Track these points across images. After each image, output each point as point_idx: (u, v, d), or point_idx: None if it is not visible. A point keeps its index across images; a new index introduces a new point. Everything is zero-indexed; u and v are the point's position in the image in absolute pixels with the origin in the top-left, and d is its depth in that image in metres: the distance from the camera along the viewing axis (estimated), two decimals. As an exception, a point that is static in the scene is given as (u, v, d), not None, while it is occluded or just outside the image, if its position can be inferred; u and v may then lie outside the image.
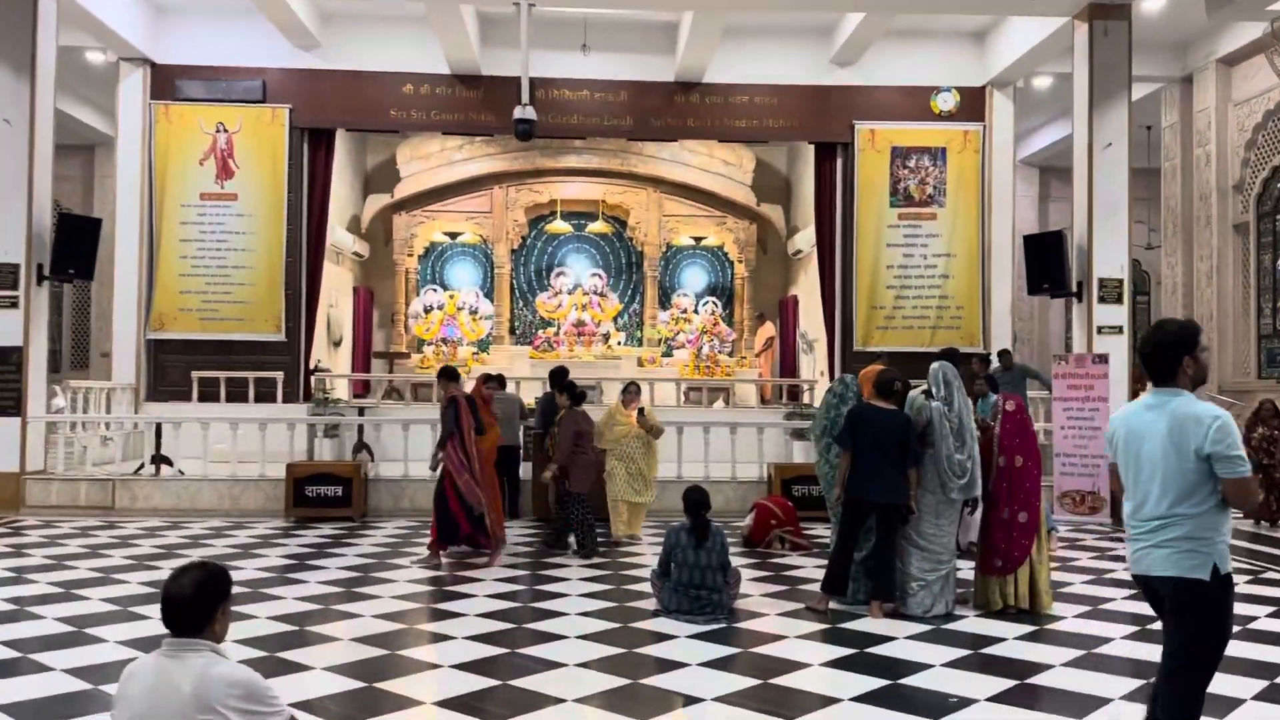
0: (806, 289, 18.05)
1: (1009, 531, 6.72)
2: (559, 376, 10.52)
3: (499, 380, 9.46)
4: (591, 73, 14.83)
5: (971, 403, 7.11)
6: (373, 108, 14.88)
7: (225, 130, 14.69)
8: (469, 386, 9.60)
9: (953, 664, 5.54)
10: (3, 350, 11.61)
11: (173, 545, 9.26)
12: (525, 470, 11.27)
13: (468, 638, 5.98)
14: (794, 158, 19.37)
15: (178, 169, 14.65)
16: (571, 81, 14.89)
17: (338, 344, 17.38)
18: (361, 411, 13.99)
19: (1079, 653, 5.80)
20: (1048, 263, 12.32)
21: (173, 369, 14.63)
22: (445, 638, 6.01)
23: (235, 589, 6.88)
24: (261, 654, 5.56)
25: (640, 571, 8.00)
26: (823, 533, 10.06)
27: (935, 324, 15.05)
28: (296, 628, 6.19)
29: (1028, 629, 6.33)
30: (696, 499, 6.70)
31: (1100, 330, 12.08)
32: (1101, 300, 12.08)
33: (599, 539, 9.06)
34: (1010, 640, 6.07)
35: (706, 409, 15.03)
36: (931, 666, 5.45)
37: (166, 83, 14.65)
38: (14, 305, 11.66)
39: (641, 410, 9.67)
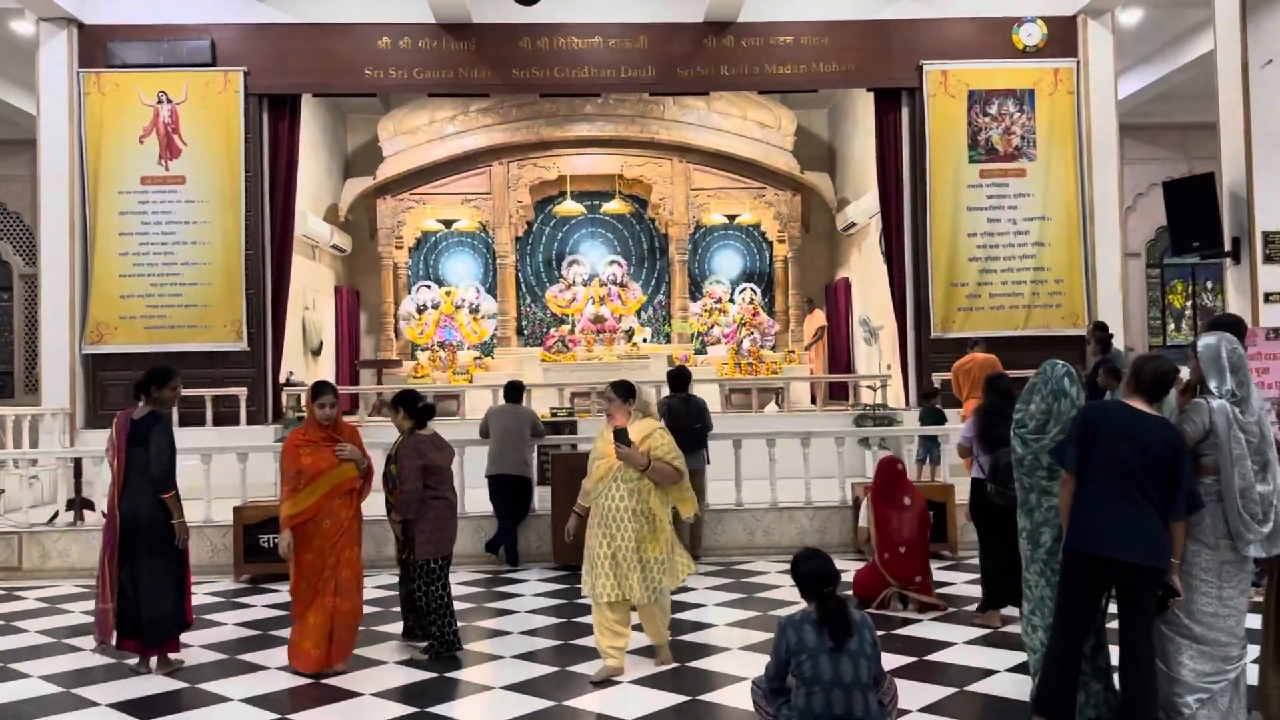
0: (862, 269, 15.50)
1: (1325, 604, 4.16)
2: (680, 378, 8.69)
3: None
4: (605, 15, 12.34)
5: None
6: (343, 67, 12.37)
7: (169, 100, 12.25)
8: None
9: None
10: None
11: (72, 629, 6.75)
12: (543, 503, 8.79)
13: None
14: (839, 118, 16.81)
15: (114, 149, 12.20)
16: (581, 27, 12.37)
17: (317, 352, 14.90)
18: (340, 432, 11.50)
19: None
20: (1196, 215, 9.74)
21: (114, 389, 12.17)
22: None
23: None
24: None
25: (722, 663, 5.45)
26: (946, 578, 7.49)
27: (1030, 302, 12.48)
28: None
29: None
30: (817, 571, 4.10)
31: (1268, 298, 9.50)
32: (1268, 260, 9.50)
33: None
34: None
35: (758, 414, 12.49)
36: None
37: (97, 47, 12.19)
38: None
39: (621, 433, 5.26)
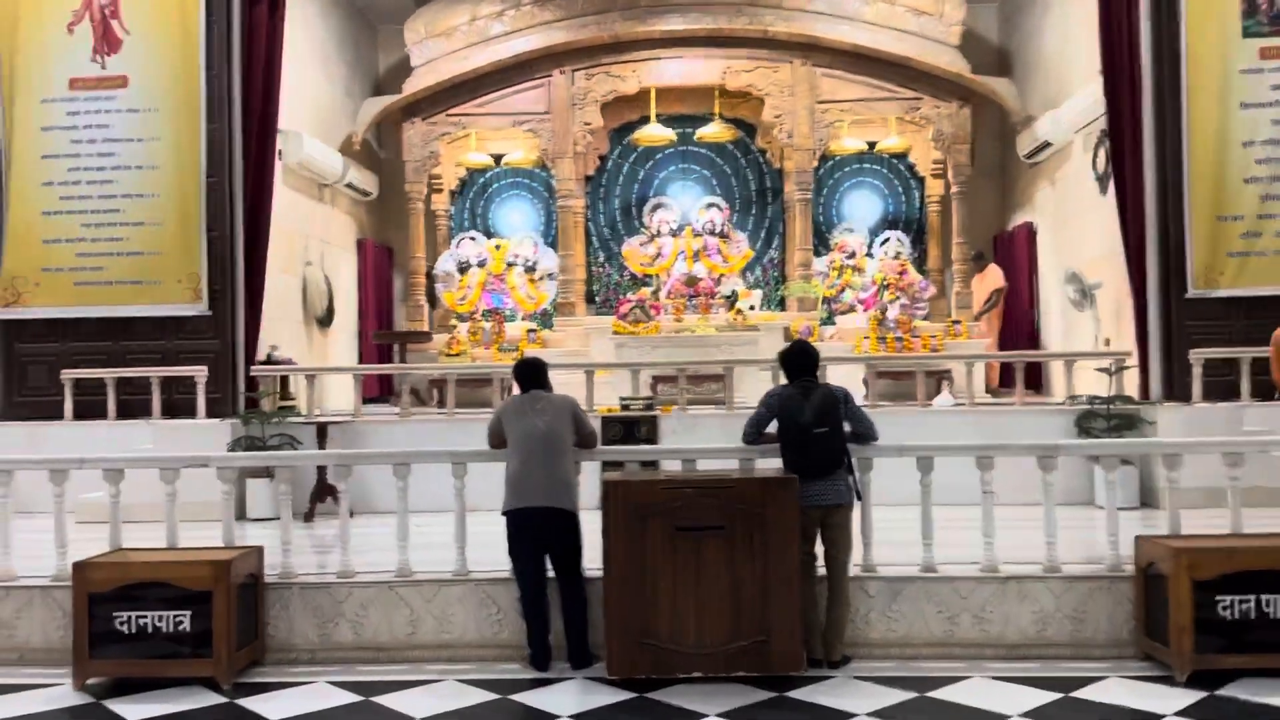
0: (1056, 207, 11.36)
1: None
2: (802, 360, 5.31)
3: None
4: None
5: None
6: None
7: (106, -24, 9.02)
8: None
9: None
10: None
11: None
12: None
13: None
14: (1015, 11, 12.59)
15: (34, 42, 9.06)
16: None
17: (324, 322, 11.50)
18: (323, 432, 8.04)
19: None
20: None
21: (37, 367, 9.08)
22: None
23: None
24: None
25: None
26: None
27: (1338, 243, 8.31)
28: None
29: None
30: None
31: None
32: None
33: None
34: None
35: (924, 408, 8.56)
36: None
37: (14, -94, 9.01)
38: None
39: None
